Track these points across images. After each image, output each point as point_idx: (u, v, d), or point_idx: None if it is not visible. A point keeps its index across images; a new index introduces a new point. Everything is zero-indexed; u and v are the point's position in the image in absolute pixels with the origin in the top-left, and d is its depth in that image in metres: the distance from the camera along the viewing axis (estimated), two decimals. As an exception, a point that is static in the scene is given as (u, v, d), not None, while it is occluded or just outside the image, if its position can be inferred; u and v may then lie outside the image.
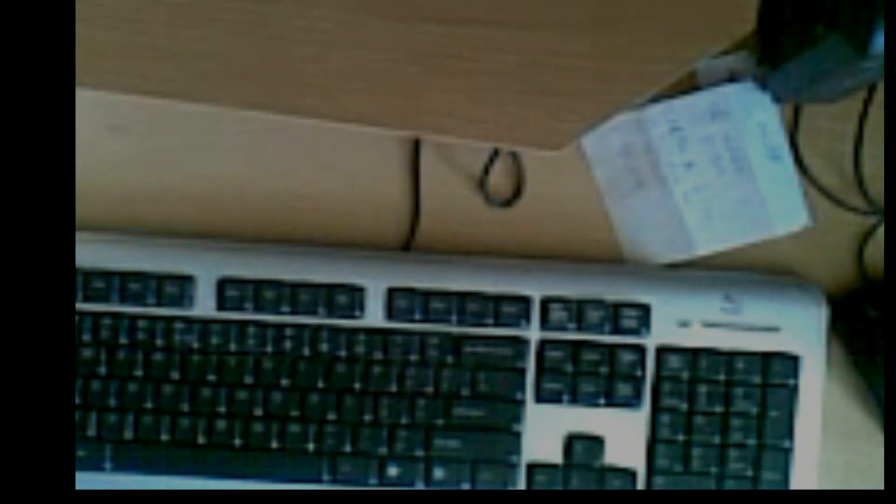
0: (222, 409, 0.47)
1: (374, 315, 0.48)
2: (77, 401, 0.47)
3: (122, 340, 0.48)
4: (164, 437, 0.47)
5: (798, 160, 0.50)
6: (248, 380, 0.48)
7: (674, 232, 0.50)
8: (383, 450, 0.47)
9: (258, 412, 0.47)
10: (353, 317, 0.48)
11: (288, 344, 0.48)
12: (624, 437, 0.47)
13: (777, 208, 0.50)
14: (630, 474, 0.47)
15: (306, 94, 0.46)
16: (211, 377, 0.47)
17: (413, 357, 0.47)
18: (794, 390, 0.47)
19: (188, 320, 0.48)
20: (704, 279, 0.48)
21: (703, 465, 0.47)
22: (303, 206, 0.50)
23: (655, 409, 0.47)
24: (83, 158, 0.50)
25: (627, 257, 0.50)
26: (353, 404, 0.47)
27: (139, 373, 0.48)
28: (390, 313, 0.48)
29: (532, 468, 0.47)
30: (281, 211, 0.50)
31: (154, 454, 0.47)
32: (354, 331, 0.48)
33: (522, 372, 0.47)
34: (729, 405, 0.47)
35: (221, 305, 0.48)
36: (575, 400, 0.47)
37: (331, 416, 0.47)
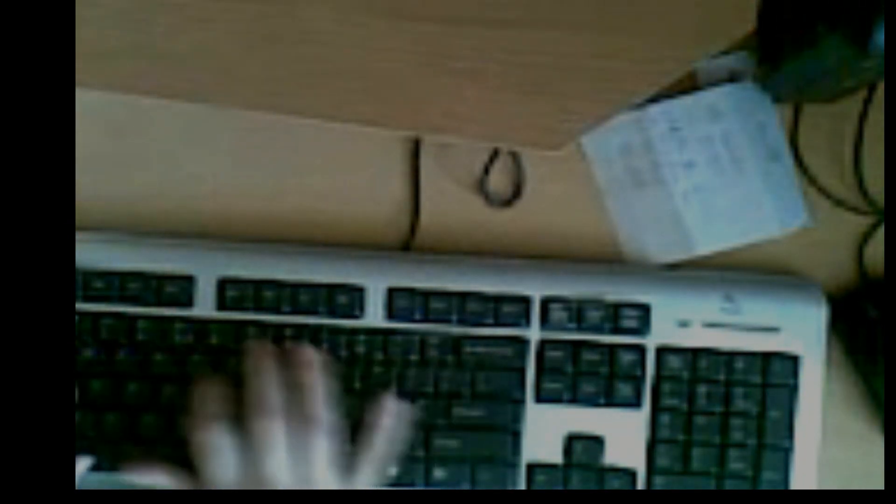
0: (222, 409, 0.47)
1: (374, 315, 0.48)
2: (77, 401, 0.47)
3: (122, 340, 0.48)
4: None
5: (798, 160, 0.50)
6: (248, 380, 0.48)
7: (674, 232, 0.50)
8: (383, 450, 0.47)
9: (258, 412, 0.47)
10: (353, 317, 0.48)
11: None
12: (624, 437, 0.47)
13: (777, 208, 0.50)
14: (630, 474, 0.47)
15: (306, 94, 0.46)
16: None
17: (413, 357, 0.47)
18: (794, 390, 0.47)
19: (188, 320, 0.48)
20: (704, 279, 0.48)
21: (703, 465, 0.47)
22: (303, 206, 0.50)
23: (655, 409, 0.47)
24: (83, 159, 0.49)
25: (627, 257, 0.50)
26: (353, 404, 0.47)
27: (139, 373, 0.48)
28: (390, 313, 0.48)
29: (532, 468, 0.47)
30: (281, 211, 0.50)
31: (154, 454, 0.47)
32: (354, 331, 0.48)
33: (522, 372, 0.47)
34: (729, 405, 0.47)
35: (221, 305, 0.48)
36: (575, 400, 0.47)
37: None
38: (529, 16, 0.44)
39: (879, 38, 0.39)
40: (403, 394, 0.47)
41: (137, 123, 0.50)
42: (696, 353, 0.47)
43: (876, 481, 0.49)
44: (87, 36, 0.44)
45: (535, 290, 0.48)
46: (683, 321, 0.47)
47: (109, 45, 0.45)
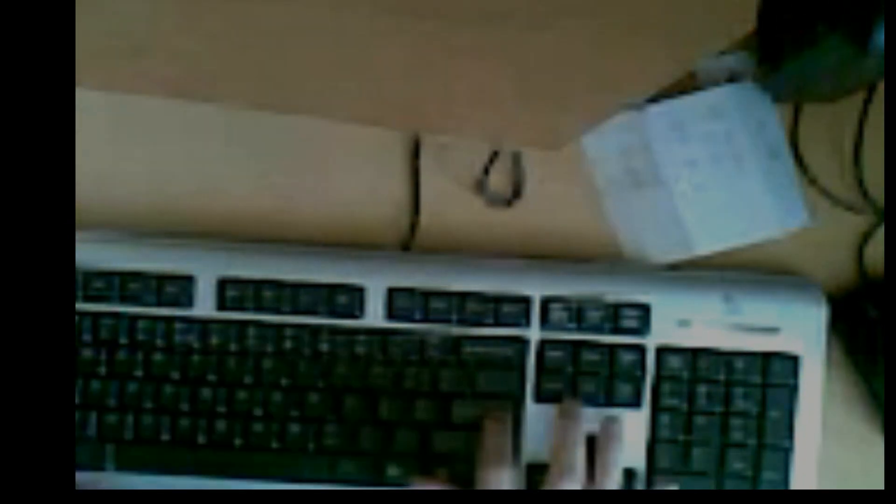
0: (222, 409, 0.47)
1: (374, 315, 0.48)
2: (77, 401, 0.47)
3: (122, 340, 0.48)
4: (165, 437, 0.47)
5: (798, 160, 0.50)
6: (248, 380, 0.48)
7: (674, 232, 0.50)
8: (383, 450, 0.47)
9: (258, 412, 0.47)
10: (353, 317, 0.48)
11: (288, 344, 0.48)
12: (624, 436, 0.47)
13: (777, 208, 0.50)
14: (630, 474, 0.47)
15: (306, 93, 0.46)
16: (211, 377, 0.47)
17: (413, 357, 0.47)
18: (794, 390, 0.47)
19: (188, 320, 0.48)
20: (704, 279, 0.48)
21: (703, 465, 0.47)
22: (303, 206, 0.50)
23: (655, 409, 0.47)
24: (83, 158, 0.49)
25: (627, 257, 0.50)
26: (353, 404, 0.47)
27: (139, 373, 0.48)
28: (390, 313, 0.48)
29: (532, 468, 0.47)
30: (281, 211, 0.50)
31: (154, 454, 0.47)
32: (354, 331, 0.48)
33: (522, 372, 0.47)
34: (729, 405, 0.47)
35: (221, 305, 0.48)
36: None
37: (331, 416, 0.47)
38: (529, 15, 0.44)
39: (879, 38, 0.39)
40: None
41: (137, 123, 0.51)
42: (696, 353, 0.47)
43: (876, 481, 0.49)
44: (87, 36, 0.44)
45: (535, 290, 0.48)
46: (683, 321, 0.47)
47: (109, 45, 0.45)
